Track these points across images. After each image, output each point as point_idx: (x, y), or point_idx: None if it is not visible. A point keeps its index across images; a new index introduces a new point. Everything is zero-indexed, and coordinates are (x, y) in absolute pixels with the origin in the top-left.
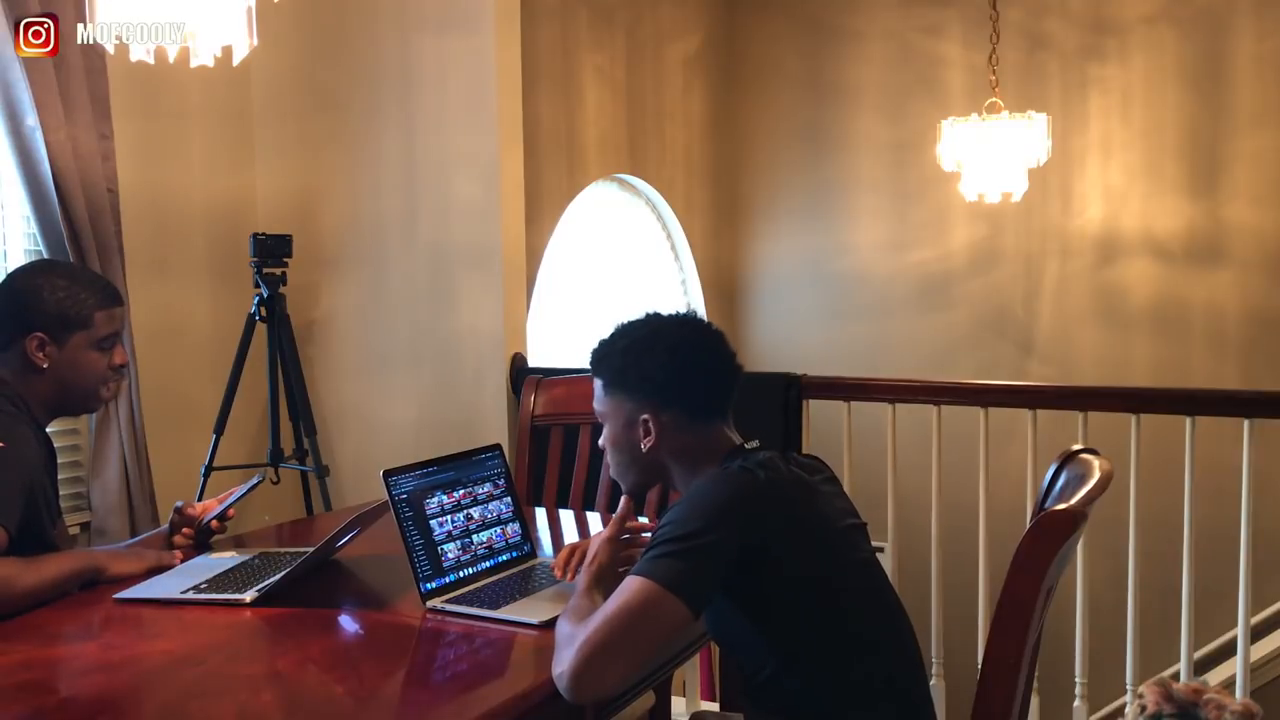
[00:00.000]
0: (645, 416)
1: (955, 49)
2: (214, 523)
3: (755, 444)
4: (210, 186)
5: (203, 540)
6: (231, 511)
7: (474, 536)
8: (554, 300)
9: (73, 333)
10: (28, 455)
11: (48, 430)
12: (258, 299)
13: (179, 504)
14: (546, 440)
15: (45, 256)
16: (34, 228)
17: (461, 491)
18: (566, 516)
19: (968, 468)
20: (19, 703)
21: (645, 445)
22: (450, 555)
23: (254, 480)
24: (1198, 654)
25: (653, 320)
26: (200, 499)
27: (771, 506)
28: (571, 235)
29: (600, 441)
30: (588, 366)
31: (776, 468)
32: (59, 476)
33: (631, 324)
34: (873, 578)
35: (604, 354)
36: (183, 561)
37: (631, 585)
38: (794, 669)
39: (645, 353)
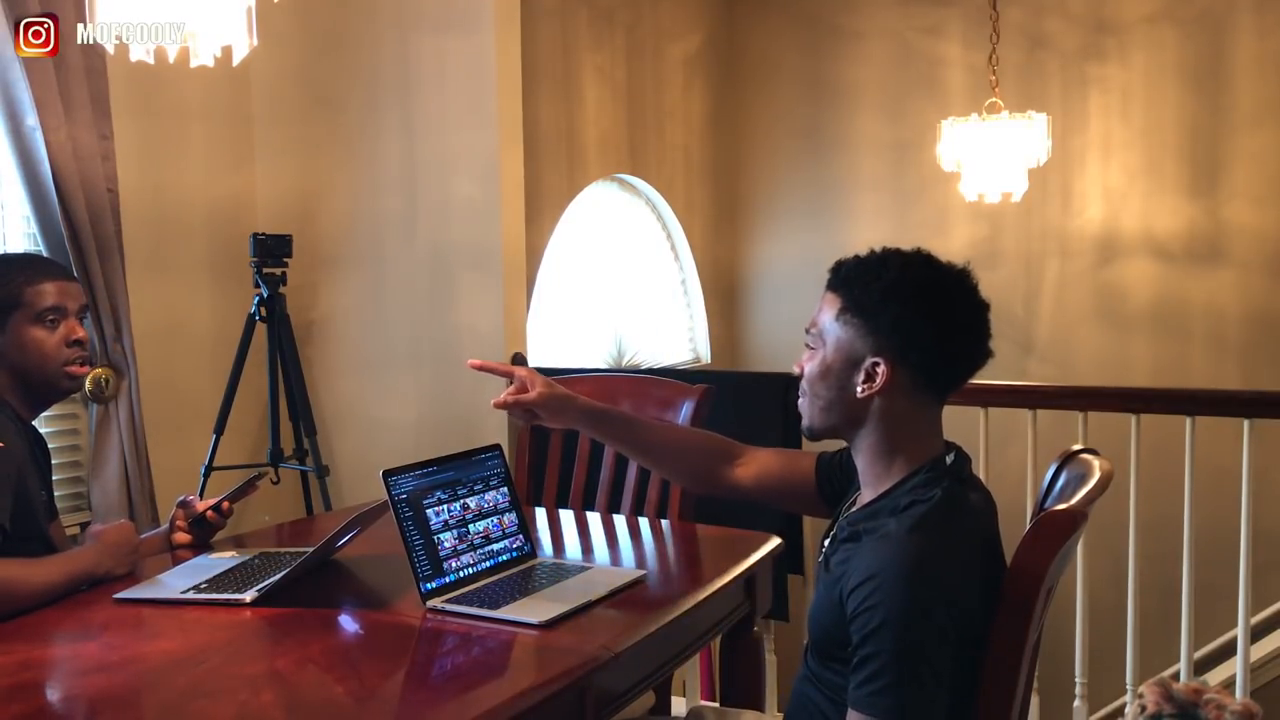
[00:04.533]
0: (878, 361)
1: (955, 49)
2: (210, 514)
3: (952, 456)
4: (210, 186)
5: (201, 535)
6: (226, 505)
7: (470, 526)
8: (554, 300)
9: (8, 315)
10: (12, 452)
11: (45, 429)
12: (258, 299)
13: (182, 498)
14: (546, 440)
15: (45, 256)
16: (34, 228)
17: (461, 491)
18: (566, 516)
19: None
20: (19, 703)
21: (862, 390)
22: (447, 544)
23: (251, 477)
24: (1198, 654)
25: (932, 265)
26: (201, 499)
27: (971, 599)
28: (571, 235)
29: (799, 367)
30: (590, 368)
31: (979, 527)
32: (56, 477)
33: (907, 260)
34: None
35: (864, 277)
36: (179, 561)
37: None
38: None
39: (919, 300)
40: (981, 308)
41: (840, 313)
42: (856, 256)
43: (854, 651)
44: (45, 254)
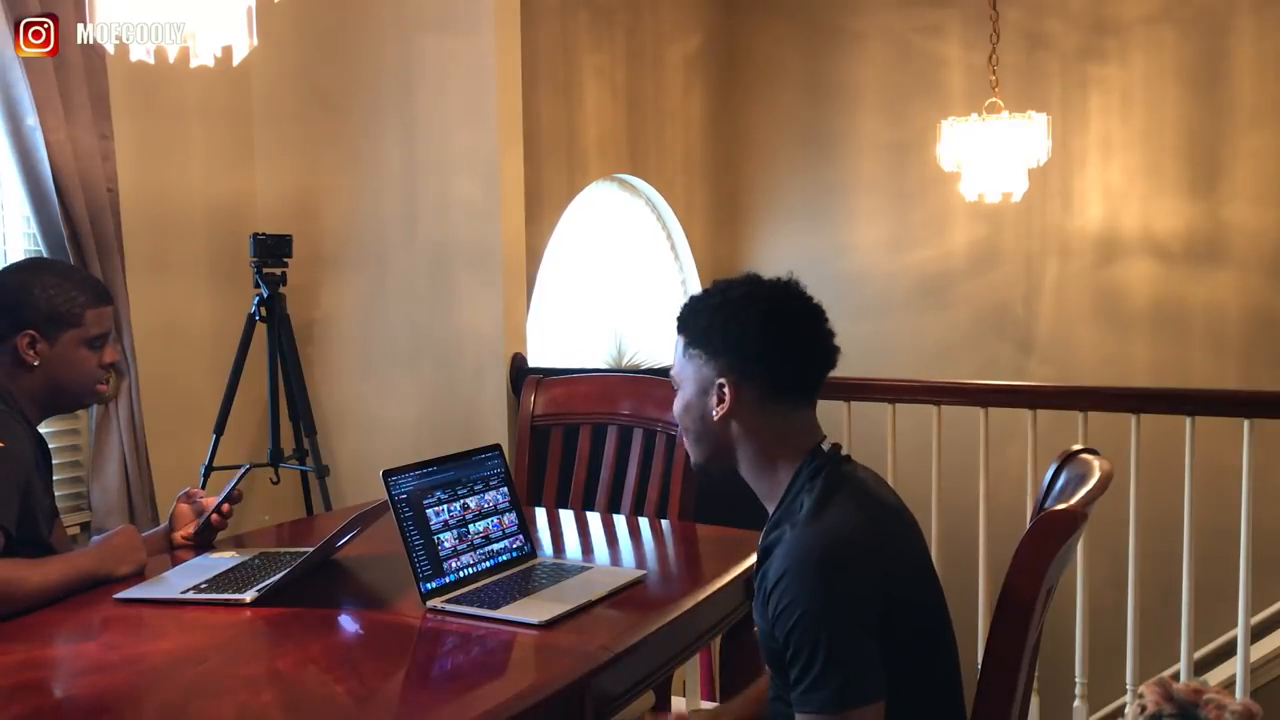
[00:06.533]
0: (722, 381)
1: (955, 49)
2: (215, 517)
3: (831, 444)
4: (210, 186)
5: (203, 537)
6: (227, 507)
7: (470, 526)
8: (554, 300)
9: (64, 330)
10: (22, 454)
11: (42, 430)
12: (258, 299)
13: (185, 490)
14: (546, 440)
15: (45, 256)
16: (34, 228)
17: (461, 491)
18: (566, 516)
19: (968, 468)
20: (19, 703)
21: (717, 412)
22: (447, 544)
23: (243, 468)
24: (1198, 654)
25: (751, 281)
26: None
27: (883, 568)
28: (571, 235)
29: (675, 407)
30: (590, 368)
31: (870, 497)
32: (57, 477)
33: (730, 283)
34: (947, 612)
35: (693, 310)
36: (179, 561)
37: None
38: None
39: (737, 314)
40: (811, 312)
41: (685, 348)
42: (692, 295)
43: (784, 656)
44: (45, 254)
